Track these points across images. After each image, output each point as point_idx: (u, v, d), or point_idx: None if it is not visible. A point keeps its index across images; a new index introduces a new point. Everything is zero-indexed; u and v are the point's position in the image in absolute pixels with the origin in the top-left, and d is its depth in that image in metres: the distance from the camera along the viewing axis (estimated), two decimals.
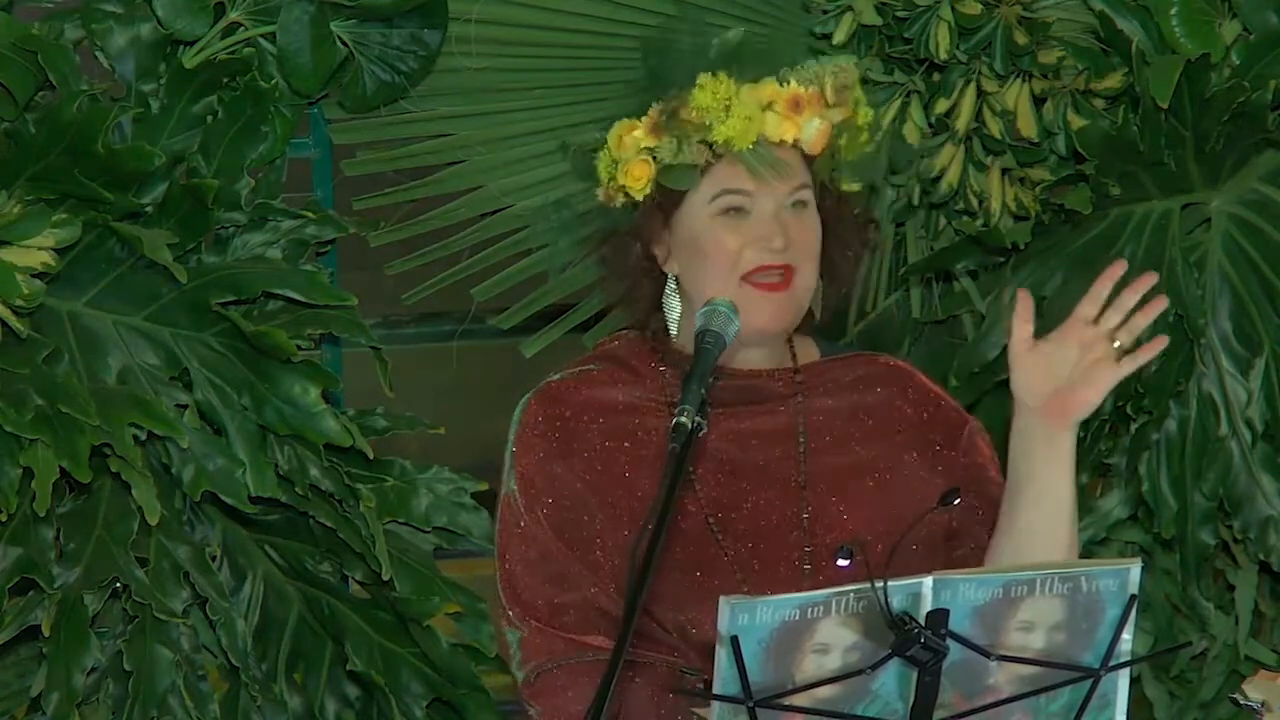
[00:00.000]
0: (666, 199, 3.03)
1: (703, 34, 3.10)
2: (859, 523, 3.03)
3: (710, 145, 3.00)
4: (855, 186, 3.12)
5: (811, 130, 3.01)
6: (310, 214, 3.76)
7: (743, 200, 3.00)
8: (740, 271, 2.99)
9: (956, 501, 2.65)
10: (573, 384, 3.09)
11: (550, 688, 3.01)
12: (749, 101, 3.00)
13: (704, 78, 3.00)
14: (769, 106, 3.00)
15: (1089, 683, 2.55)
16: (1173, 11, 3.70)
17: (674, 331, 3.09)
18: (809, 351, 3.15)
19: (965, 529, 3.09)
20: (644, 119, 3.04)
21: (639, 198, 3.03)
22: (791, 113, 3.01)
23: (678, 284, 3.07)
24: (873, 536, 3.00)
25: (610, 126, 3.09)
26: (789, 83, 3.03)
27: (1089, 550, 3.98)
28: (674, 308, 3.08)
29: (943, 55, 3.73)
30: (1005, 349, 3.77)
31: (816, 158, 3.04)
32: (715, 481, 3.04)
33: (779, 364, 3.11)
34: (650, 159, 3.02)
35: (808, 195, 3.03)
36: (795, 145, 3.03)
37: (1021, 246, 3.80)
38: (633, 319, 3.16)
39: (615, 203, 3.09)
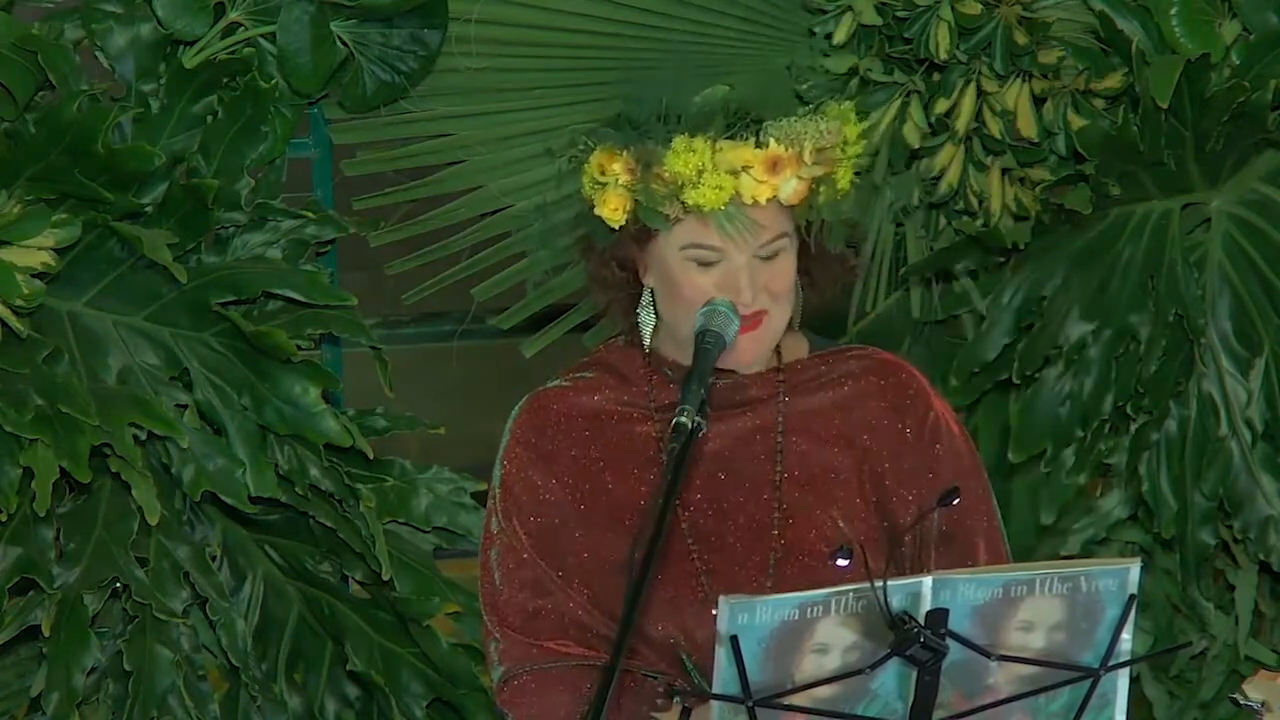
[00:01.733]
0: (641, 231, 3.01)
1: (684, 90, 3.05)
2: (831, 523, 3.02)
3: (682, 202, 2.98)
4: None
5: (789, 190, 2.98)
6: (310, 214, 3.76)
7: (711, 255, 2.98)
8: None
9: (955, 501, 2.65)
10: (563, 391, 3.10)
11: (521, 693, 3.03)
12: (723, 165, 2.96)
13: (679, 142, 2.96)
14: (744, 169, 2.97)
15: (1089, 682, 2.55)
16: (1173, 11, 3.69)
17: (647, 342, 3.08)
18: (797, 348, 3.13)
19: (958, 524, 3.08)
20: (624, 154, 3.01)
21: (614, 226, 3.02)
22: (768, 175, 2.97)
23: (654, 297, 3.06)
24: (844, 537, 2.99)
25: (594, 132, 3.07)
26: (768, 145, 2.99)
27: (1089, 550, 3.98)
28: (647, 321, 3.08)
29: (943, 55, 3.73)
30: (1005, 349, 3.82)
31: (795, 207, 3.02)
32: (690, 481, 3.04)
33: (763, 365, 3.10)
34: (628, 194, 3.00)
35: (783, 244, 3.01)
36: (772, 199, 3.00)
37: (1021, 246, 3.80)
38: (613, 318, 3.16)
39: (594, 213, 3.09)
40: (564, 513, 3.05)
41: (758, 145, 2.97)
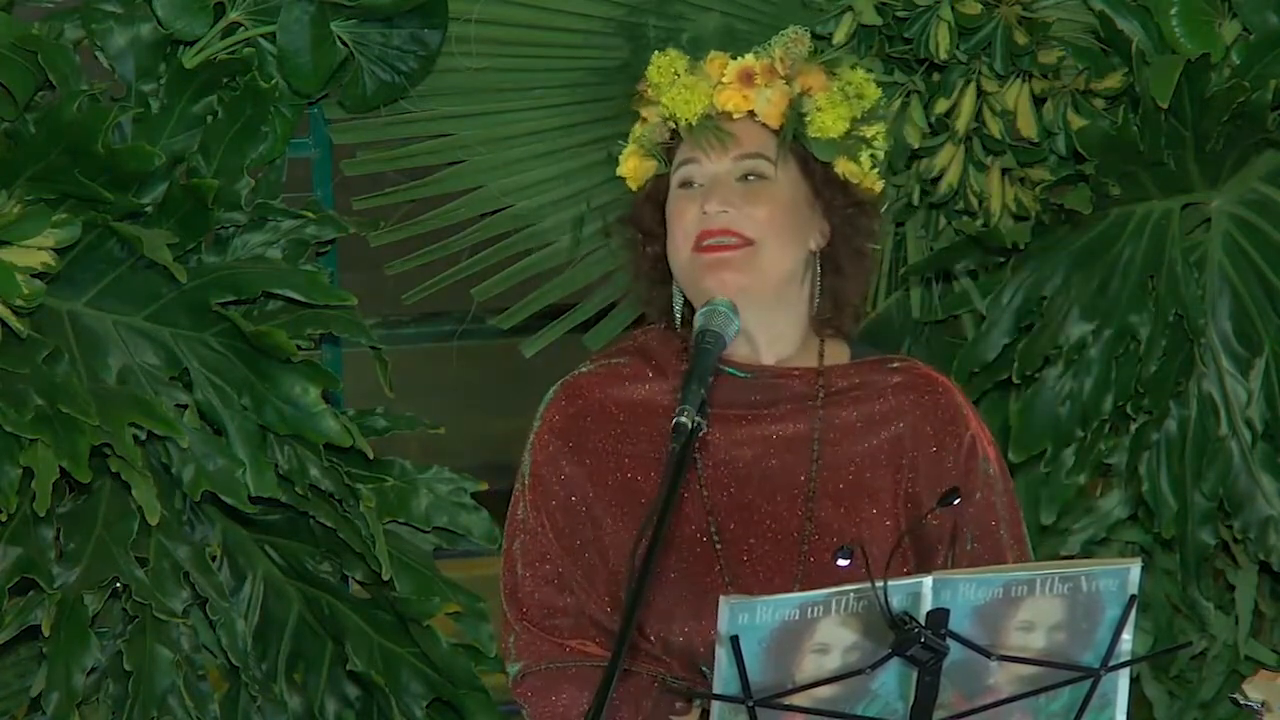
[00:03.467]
0: (655, 188, 3.04)
1: (672, 21, 3.12)
2: (860, 542, 2.98)
3: (667, 122, 3.03)
4: (875, 183, 3.09)
5: (764, 101, 3.02)
6: (310, 214, 3.76)
7: (693, 170, 3.01)
8: (691, 240, 2.98)
9: (955, 501, 2.64)
10: (597, 379, 3.06)
11: (538, 690, 3.01)
12: (697, 73, 3.03)
13: (655, 55, 3.04)
14: (719, 81, 3.02)
15: (1089, 683, 2.55)
16: (1173, 11, 3.69)
17: (678, 315, 3.07)
18: (838, 353, 3.10)
19: (990, 547, 3.06)
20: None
21: (634, 188, 3.06)
22: (742, 85, 3.02)
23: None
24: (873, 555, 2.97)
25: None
26: (740, 56, 3.05)
27: (1089, 550, 3.98)
28: (678, 299, 3.07)
29: (943, 55, 3.73)
30: (1005, 349, 3.82)
31: (780, 131, 3.04)
32: (723, 487, 3.01)
33: (802, 363, 3.07)
34: (639, 149, 3.05)
35: (762, 167, 3.01)
36: (756, 119, 3.04)
37: (1021, 246, 3.80)
38: (651, 315, 3.15)
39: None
40: (593, 507, 3.02)
41: (732, 58, 3.03)
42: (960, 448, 3.04)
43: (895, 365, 3.10)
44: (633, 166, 3.07)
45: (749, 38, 3.14)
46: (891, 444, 3.03)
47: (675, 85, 3.02)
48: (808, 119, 3.03)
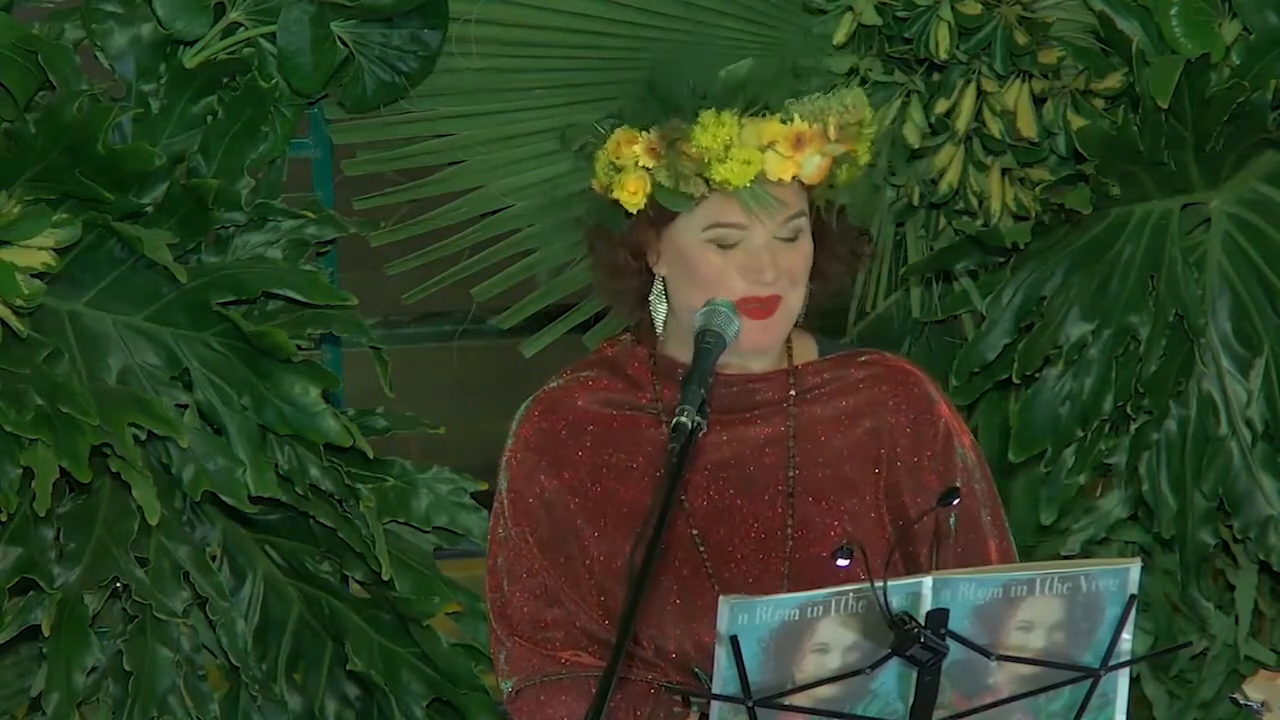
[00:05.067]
0: (659, 214, 2.99)
1: (711, 66, 3.04)
2: (844, 536, 2.99)
3: (707, 180, 2.96)
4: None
5: (812, 166, 2.97)
6: (310, 214, 3.76)
7: (735, 233, 2.96)
8: (732, 297, 2.95)
9: (955, 501, 2.64)
10: (568, 393, 3.06)
11: (534, 703, 3.00)
12: (750, 141, 2.94)
13: (707, 116, 2.93)
14: (770, 146, 2.95)
15: (1089, 682, 2.56)
16: (1173, 11, 3.70)
17: (660, 330, 3.05)
18: (807, 349, 3.10)
19: (970, 532, 3.06)
20: (644, 135, 2.99)
21: (632, 210, 3.00)
22: (793, 151, 2.96)
23: (665, 285, 3.04)
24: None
25: (610, 119, 3.06)
26: (793, 120, 2.98)
27: (1089, 550, 3.98)
28: (660, 311, 3.05)
29: (943, 55, 3.73)
30: (1005, 349, 3.82)
31: (814, 187, 3.00)
32: (703, 491, 3.01)
33: (774, 366, 3.07)
34: (647, 176, 2.98)
35: (802, 223, 2.99)
36: (794, 179, 2.99)
37: (1021, 246, 3.80)
38: (618, 310, 3.13)
39: (607, 199, 3.06)
40: (574, 520, 3.01)
41: (783, 121, 2.96)
42: (936, 437, 3.04)
43: (864, 359, 3.10)
44: (634, 192, 3.00)
45: (774, 84, 3.06)
46: (868, 437, 3.03)
47: (730, 159, 2.94)
48: (840, 174, 3.01)
